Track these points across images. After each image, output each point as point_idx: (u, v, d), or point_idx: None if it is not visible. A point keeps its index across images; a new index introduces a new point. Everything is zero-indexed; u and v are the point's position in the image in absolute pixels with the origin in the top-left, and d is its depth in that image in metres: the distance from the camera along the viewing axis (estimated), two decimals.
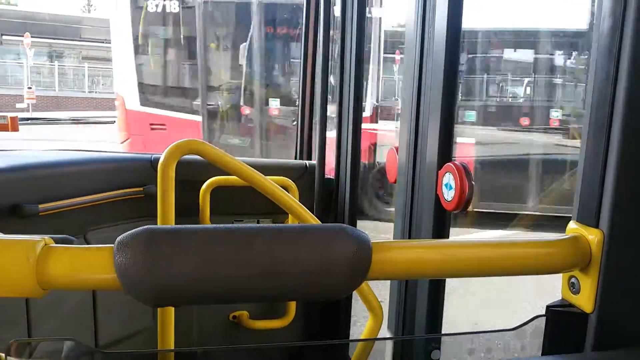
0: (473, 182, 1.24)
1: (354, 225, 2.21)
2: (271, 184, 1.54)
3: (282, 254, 0.57)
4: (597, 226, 0.70)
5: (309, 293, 0.67)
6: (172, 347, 1.67)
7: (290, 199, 1.58)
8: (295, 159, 2.62)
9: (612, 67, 0.67)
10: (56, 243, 0.58)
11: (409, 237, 1.51)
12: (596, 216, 0.70)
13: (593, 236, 0.69)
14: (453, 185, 1.26)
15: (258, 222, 2.36)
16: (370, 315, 1.46)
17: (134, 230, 0.55)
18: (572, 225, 0.73)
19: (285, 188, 2.01)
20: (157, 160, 1.68)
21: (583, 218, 0.72)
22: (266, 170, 1.97)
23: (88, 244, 1.92)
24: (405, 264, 0.65)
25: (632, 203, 0.68)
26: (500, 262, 0.67)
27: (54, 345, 0.69)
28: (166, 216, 1.52)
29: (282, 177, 2.13)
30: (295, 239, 0.59)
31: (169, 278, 0.54)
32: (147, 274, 0.53)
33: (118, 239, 0.55)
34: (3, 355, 0.59)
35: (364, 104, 2.88)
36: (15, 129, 1.80)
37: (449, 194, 1.28)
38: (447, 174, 1.29)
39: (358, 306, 1.52)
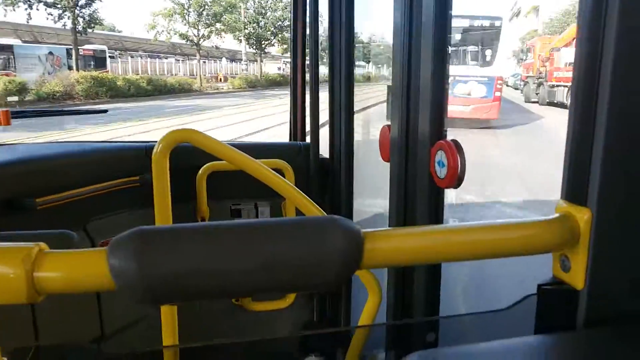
0: (465, 159, 1.25)
1: (351, 203, 2.23)
2: (265, 169, 1.55)
3: (273, 249, 0.58)
4: (585, 204, 0.70)
5: (303, 285, 0.69)
6: (176, 334, 1.68)
7: (285, 182, 1.59)
8: (290, 140, 2.61)
9: (598, 40, 0.66)
10: (56, 239, 0.56)
11: (404, 215, 1.53)
12: (584, 195, 0.70)
13: (582, 214, 0.69)
14: (445, 163, 1.27)
15: (256, 206, 2.36)
16: (369, 295, 1.49)
17: (126, 232, 0.56)
18: (561, 204, 0.73)
19: (281, 170, 2.03)
20: (150, 148, 1.67)
21: (571, 197, 0.72)
22: (261, 152, 1.95)
23: (88, 235, 1.96)
24: (397, 252, 0.66)
25: (619, 181, 0.68)
26: (491, 244, 0.68)
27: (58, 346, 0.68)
28: (162, 206, 1.53)
29: (277, 159, 2.13)
30: (286, 234, 0.59)
31: (163, 277, 0.55)
32: (141, 275, 0.54)
33: (111, 241, 0.56)
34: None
35: None
36: (7, 122, 1.82)
37: (441, 172, 1.29)
38: (439, 152, 1.30)
39: (358, 281, 1.61)
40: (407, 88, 1.45)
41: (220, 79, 40.46)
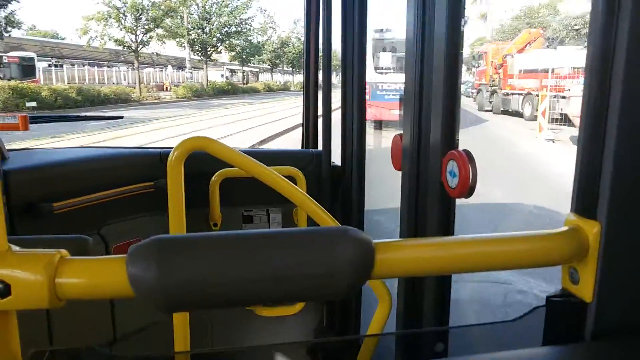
0: (476, 169, 1.24)
1: (362, 211, 2.24)
2: (278, 176, 1.56)
3: (286, 259, 0.59)
4: (595, 218, 0.71)
5: (314, 295, 0.73)
6: (188, 340, 1.67)
7: (296, 190, 1.59)
8: (303, 147, 2.62)
9: (609, 54, 0.67)
10: (72, 243, 0.63)
11: (415, 224, 1.51)
12: (594, 208, 0.71)
13: (591, 228, 0.70)
14: (457, 173, 1.27)
15: (268, 212, 2.38)
16: (379, 303, 1.46)
17: (145, 241, 0.58)
18: (571, 216, 0.74)
19: (293, 177, 2.13)
20: (165, 154, 1.80)
21: (580, 210, 0.73)
22: (273, 159, 2.16)
23: (103, 240, 1.99)
24: (408, 263, 0.67)
25: (629, 195, 0.69)
26: (501, 257, 0.69)
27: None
28: (176, 212, 1.53)
29: (289, 166, 2.17)
30: (299, 244, 0.61)
31: (178, 286, 0.56)
32: (159, 283, 0.55)
33: (130, 249, 0.58)
34: None
35: None
36: (25, 127, 1.74)
37: (453, 181, 1.29)
38: (450, 162, 1.30)
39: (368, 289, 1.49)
40: (419, 98, 1.45)
41: (166, 88, 38.52)
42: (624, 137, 0.67)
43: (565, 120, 12.40)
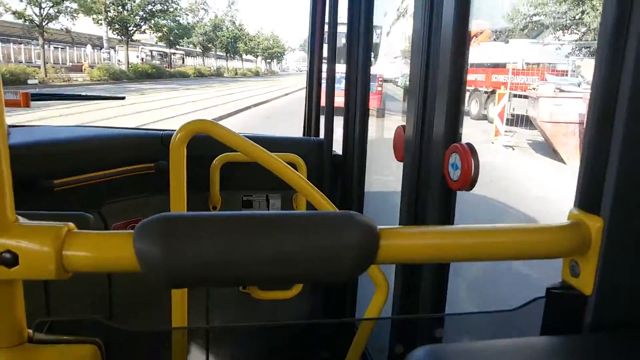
0: (479, 162, 1.23)
1: (362, 201, 2.24)
2: (280, 162, 1.53)
3: (291, 241, 0.60)
4: (598, 214, 0.72)
5: (317, 277, 0.72)
6: (186, 319, 1.64)
7: (297, 175, 1.57)
8: (304, 135, 2.59)
9: (618, 54, 0.68)
10: (73, 220, 0.63)
11: (415, 215, 1.52)
12: (597, 204, 0.72)
13: (594, 223, 0.71)
14: (459, 165, 1.27)
15: (267, 198, 2.38)
16: (376, 289, 1.44)
17: (152, 217, 0.58)
18: (574, 211, 0.75)
19: (294, 164, 2.09)
20: (167, 136, 1.94)
21: (584, 205, 0.74)
22: (275, 146, 2.02)
23: (102, 218, 2.00)
24: (411, 250, 0.68)
25: (633, 192, 0.70)
26: (504, 247, 0.70)
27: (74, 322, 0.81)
28: (177, 193, 1.50)
29: (290, 153, 2.15)
30: (305, 227, 0.61)
31: (184, 263, 0.58)
32: (164, 259, 0.57)
33: (137, 225, 0.58)
34: (31, 331, 0.66)
35: None
36: (27, 104, 1.73)
37: (454, 174, 1.29)
38: (453, 154, 1.29)
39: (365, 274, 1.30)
40: (424, 90, 1.45)
41: (84, 69, 34.63)
42: (631, 135, 0.67)
43: (524, 122, 10.71)
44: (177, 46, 45.68)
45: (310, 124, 2.57)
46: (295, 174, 1.55)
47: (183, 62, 46.93)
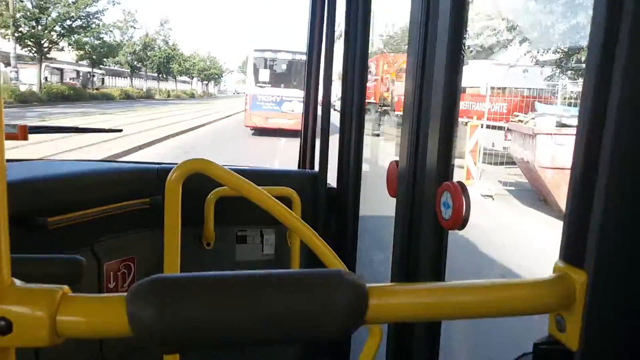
0: (470, 200, 1.23)
1: (356, 235, 2.24)
2: (273, 200, 1.52)
3: (280, 302, 0.61)
4: (582, 266, 0.71)
5: (308, 338, 0.75)
6: None
7: (291, 215, 1.54)
8: (299, 167, 2.63)
9: (600, 110, 0.68)
10: (65, 264, 0.65)
11: (408, 254, 1.52)
12: (581, 257, 0.71)
13: (578, 276, 0.70)
14: (450, 204, 1.27)
15: (261, 233, 2.38)
16: (369, 336, 1.41)
17: (144, 280, 0.59)
18: (559, 263, 0.75)
19: (289, 198, 2.10)
20: (163, 170, 2.00)
21: (569, 258, 0.74)
22: (270, 179, 2.25)
23: (95, 256, 2.00)
24: (401, 309, 0.68)
25: (617, 245, 0.69)
26: (491, 304, 0.70)
27: None
28: (172, 232, 1.50)
29: (285, 187, 2.16)
30: (293, 287, 0.63)
31: (177, 327, 0.58)
32: (157, 324, 0.57)
33: (130, 289, 0.59)
34: None
35: None
36: (25, 138, 1.75)
37: (446, 213, 1.29)
38: (444, 193, 1.30)
39: None
40: (417, 127, 1.47)
41: None
42: (614, 188, 0.67)
43: (503, 161, 8.59)
44: (102, 65, 41.99)
45: (305, 156, 2.57)
46: (288, 213, 1.51)
47: (102, 83, 42.98)
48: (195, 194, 1.79)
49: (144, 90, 50.73)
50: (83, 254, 1.86)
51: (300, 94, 19.09)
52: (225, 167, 1.62)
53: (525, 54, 14.81)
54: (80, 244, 1.90)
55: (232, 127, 22.75)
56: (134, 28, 47.03)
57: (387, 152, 11.85)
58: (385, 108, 17.56)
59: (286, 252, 2.34)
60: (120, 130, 2.84)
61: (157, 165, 2.19)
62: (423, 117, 1.42)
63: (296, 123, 17.49)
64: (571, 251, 0.73)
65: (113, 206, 1.99)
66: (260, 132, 18.09)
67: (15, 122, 1.86)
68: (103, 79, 43.13)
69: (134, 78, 52.25)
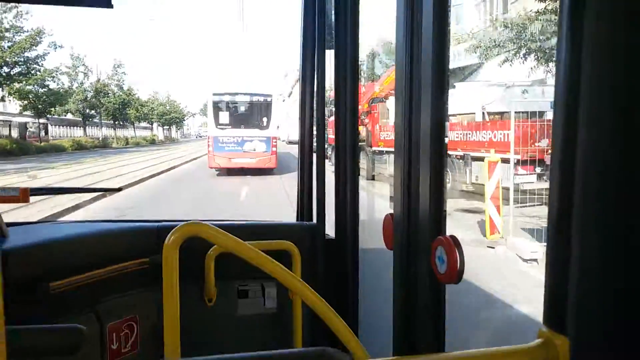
0: (463, 253, 1.26)
1: (356, 287, 2.23)
2: (273, 263, 1.45)
3: None
4: (565, 332, 0.72)
5: None
6: None
7: (290, 276, 1.48)
8: (298, 219, 2.61)
9: (568, 170, 0.70)
10: (65, 334, 0.65)
11: (407, 307, 1.54)
12: (562, 322, 0.72)
13: (560, 342, 0.72)
14: (445, 259, 1.30)
15: (262, 287, 2.38)
16: None
17: None
18: (543, 329, 0.76)
19: (288, 251, 2.13)
20: (163, 228, 2.05)
21: (551, 323, 0.74)
22: (270, 233, 2.30)
23: (98, 319, 2.02)
24: None
25: (596, 310, 0.69)
26: None
27: None
28: (170, 295, 1.41)
29: (284, 240, 2.17)
30: None
31: None
32: None
33: None
34: None
35: None
36: (26, 200, 1.83)
37: (441, 267, 1.31)
38: (439, 247, 1.33)
39: None
40: (409, 182, 1.49)
41: None
42: (588, 254, 0.68)
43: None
44: (49, 115, 39.06)
45: (303, 208, 2.54)
46: (287, 274, 1.46)
47: (46, 134, 39.87)
48: (195, 251, 1.76)
49: (100, 139, 47.86)
50: (85, 316, 1.91)
51: (260, 133, 18.82)
52: (224, 222, 2.01)
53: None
54: (83, 306, 1.93)
55: (190, 173, 20.68)
56: (84, 73, 44.51)
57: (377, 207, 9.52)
58: (360, 144, 15.53)
59: (288, 304, 2.28)
60: (119, 190, 3.12)
61: (157, 224, 2.23)
62: (413, 172, 1.46)
63: (259, 161, 18.56)
64: (552, 317, 0.74)
65: (114, 267, 2.01)
66: (227, 172, 19.17)
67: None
68: (46, 129, 39.89)
69: (88, 127, 49.37)
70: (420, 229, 1.42)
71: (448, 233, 1.32)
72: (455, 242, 1.27)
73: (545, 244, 1.28)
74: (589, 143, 0.65)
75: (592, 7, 0.65)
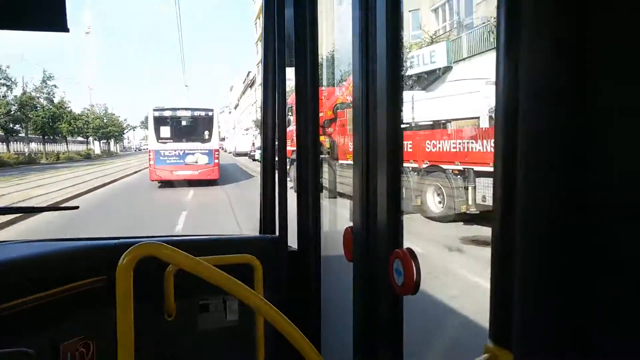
0: (419, 265, 1.26)
1: (319, 298, 2.24)
2: (231, 280, 1.41)
3: None
4: (510, 348, 0.70)
5: None
6: None
7: (252, 294, 1.44)
8: (260, 232, 2.57)
9: (509, 193, 0.69)
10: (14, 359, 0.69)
11: (366, 318, 1.55)
12: (507, 336, 0.70)
13: (505, 357, 0.71)
14: (402, 272, 1.30)
15: (224, 300, 2.31)
16: None
17: None
18: (489, 343, 0.74)
19: (250, 266, 2.06)
20: (121, 246, 1.81)
21: (496, 338, 0.73)
22: (231, 247, 2.24)
23: (52, 339, 1.93)
24: None
25: (540, 325, 0.69)
26: None
27: None
28: (124, 313, 1.34)
29: (246, 254, 2.11)
30: None
31: None
32: None
33: None
34: None
35: None
36: None
37: (399, 279, 1.32)
38: (396, 260, 1.34)
39: None
40: (367, 194, 1.48)
41: None
42: (529, 268, 0.67)
43: None
44: None
45: (266, 221, 2.54)
46: (247, 292, 1.41)
47: None
48: (154, 267, 1.71)
49: (26, 154, 43.69)
50: (39, 337, 1.83)
51: (202, 146, 19.71)
52: (185, 238, 1.83)
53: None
54: (33, 329, 1.85)
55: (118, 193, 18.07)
56: (7, 86, 40.49)
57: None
58: (322, 156, 13.48)
59: (250, 316, 2.18)
60: (76, 208, 2.87)
61: (114, 241, 2.19)
62: (371, 188, 1.45)
63: (201, 173, 19.26)
64: (497, 332, 0.73)
65: (69, 286, 1.94)
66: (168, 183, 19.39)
67: None
68: None
69: (14, 142, 45.09)
70: (378, 242, 1.45)
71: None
72: (412, 254, 1.31)
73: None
74: (528, 153, 0.66)
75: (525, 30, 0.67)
